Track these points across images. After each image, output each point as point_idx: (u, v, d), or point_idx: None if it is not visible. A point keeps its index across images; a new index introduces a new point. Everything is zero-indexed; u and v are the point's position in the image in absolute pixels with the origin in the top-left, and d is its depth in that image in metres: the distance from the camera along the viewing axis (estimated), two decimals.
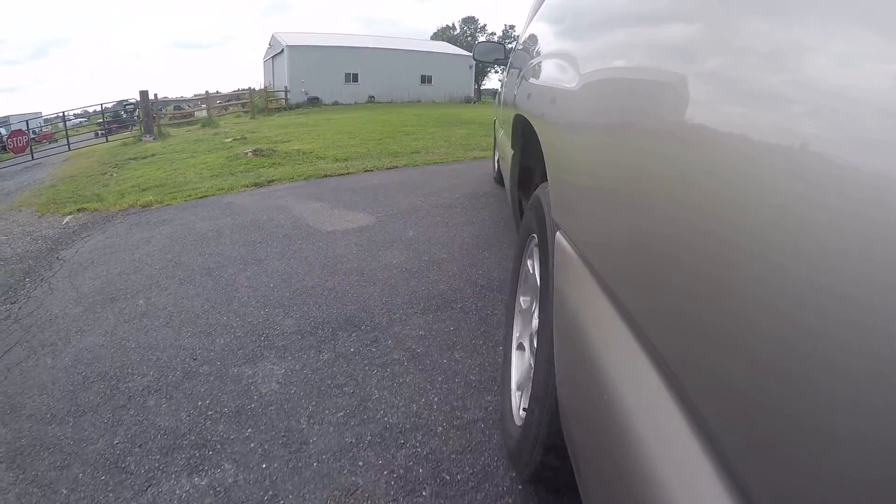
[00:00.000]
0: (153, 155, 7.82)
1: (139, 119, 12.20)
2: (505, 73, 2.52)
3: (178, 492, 0.98)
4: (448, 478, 0.99)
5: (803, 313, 0.23)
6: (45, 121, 20.19)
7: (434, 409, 1.19)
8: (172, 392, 1.31)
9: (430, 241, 2.39)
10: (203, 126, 12.03)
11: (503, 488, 0.96)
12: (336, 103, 18.36)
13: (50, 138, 15.37)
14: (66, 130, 11.55)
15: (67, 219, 3.74)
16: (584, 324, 0.55)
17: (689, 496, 0.32)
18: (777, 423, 0.25)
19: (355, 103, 18.54)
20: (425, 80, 22.55)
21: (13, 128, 12.98)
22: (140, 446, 1.12)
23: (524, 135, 1.34)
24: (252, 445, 1.10)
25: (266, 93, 17.09)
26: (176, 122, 14.72)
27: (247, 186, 3.94)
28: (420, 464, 1.02)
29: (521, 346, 1.09)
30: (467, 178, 3.90)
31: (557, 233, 0.72)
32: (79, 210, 3.94)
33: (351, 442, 1.09)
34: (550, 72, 0.90)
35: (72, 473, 1.05)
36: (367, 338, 1.52)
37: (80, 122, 21.81)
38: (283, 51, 18.74)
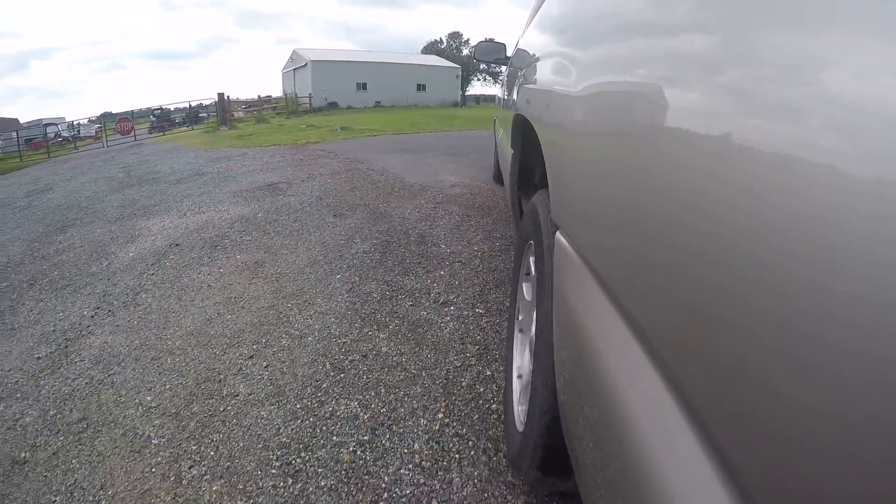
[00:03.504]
0: (251, 135, 11.82)
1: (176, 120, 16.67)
2: (505, 73, 2.66)
3: (409, 148, 5.34)
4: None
5: (803, 312, 0.24)
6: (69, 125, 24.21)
7: (468, 153, 5.59)
8: (418, 148, 5.67)
9: (461, 142, 7.03)
10: (257, 122, 16.15)
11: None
12: (350, 107, 23.02)
13: (97, 137, 19.23)
14: (172, 122, 15.76)
15: (272, 148, 7.78)
16: (585, 324, 0.57)
17: (689, 496, 0.33)
18: (777, 423, 0.26)
19: (364, 107, 23.24)
20: (420, 87, 28.03)
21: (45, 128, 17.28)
22: (402, 149, 5.49)
23: (524, 135, 1.38)
24: (440, 145, 5.50)
25: (295, 98, 21.38)
26: None
27: (368, 137, 8.27)
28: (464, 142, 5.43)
29: (520, 347, 1.14)
30: (469, 134, 8.59)
31: (557, 233, 0.75)
32: (272, 144, 7.97)
33: (451, 148, 5.47)
34: (553, 74, 0.92)
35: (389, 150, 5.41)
36: (455, 151, 6.06)
37: (97, 126, 25.83)
38: (306, 64, 23.73)
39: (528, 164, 1.50)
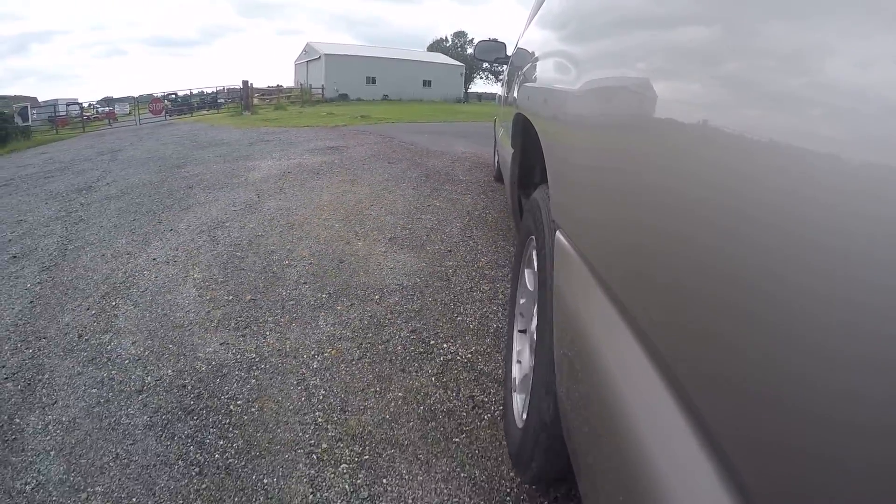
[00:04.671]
0: (276, 119, 13.34)
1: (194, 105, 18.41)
2: (505, 73, 2.81)
3: (425, 131, 6.98)
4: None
5: (804, 310, 0.25)
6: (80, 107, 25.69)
7: (474, 136, 7.26)
8: (433, 131, 7.34)
9: (467, 129, 8.75)
10: (276, 109, 17.68)
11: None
12: (360, 99, 24.68)
13: (112, 117, 20.68)
14: (191, 106, 17.22)
15: (308, 129, 9.37)
16: (584, 323, 0.58)
17: (688, 495, 0.34)
18: (776, 422, 0.26)
19: (373, 100, 24.93)
20: (426, 83, 30.00)
21: (60, 109, 18.70)
22: (420, 131, 7.12)
23: (524, 133, 1.39)
24: (451, 130, 7.14)
25: (309, 89, 23.01)
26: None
27: (388, 123, 9.91)
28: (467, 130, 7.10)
29: (521, 341, 1.18)
30: (472, 125, 10.29)
31: (557, 232, 0.76)
32: (305, 126, 9.58)
33: (460, 132, 7.13)
34: (553, 72, 0.93)
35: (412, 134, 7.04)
36: (463, 134, 7.70)
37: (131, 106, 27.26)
38: (320, 57, 25.49)
39: (529, 163, 1.52)
